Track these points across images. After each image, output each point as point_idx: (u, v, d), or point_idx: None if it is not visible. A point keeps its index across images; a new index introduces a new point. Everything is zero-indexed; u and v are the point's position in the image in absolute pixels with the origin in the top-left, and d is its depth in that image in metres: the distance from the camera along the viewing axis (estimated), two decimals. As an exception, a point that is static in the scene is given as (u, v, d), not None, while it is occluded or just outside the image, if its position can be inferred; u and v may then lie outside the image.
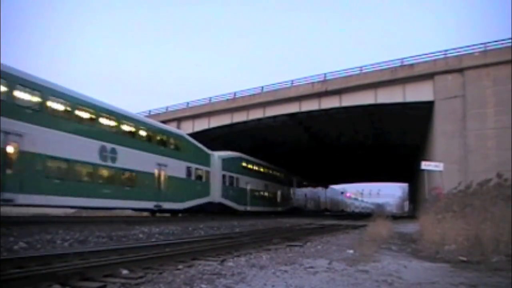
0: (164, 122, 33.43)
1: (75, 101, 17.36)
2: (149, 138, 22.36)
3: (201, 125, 36.08)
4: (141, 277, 5.08)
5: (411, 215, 43.08)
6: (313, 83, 30.50)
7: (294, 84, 31.82)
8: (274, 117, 33.32)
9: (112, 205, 19.84)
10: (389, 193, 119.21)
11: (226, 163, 31.07)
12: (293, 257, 7.52)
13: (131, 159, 20.06)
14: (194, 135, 31.66)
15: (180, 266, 6.02)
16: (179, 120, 36.91)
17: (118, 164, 19.20)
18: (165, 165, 22.88)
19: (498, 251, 7.13)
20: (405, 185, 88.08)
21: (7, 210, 15.79)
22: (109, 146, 18.64)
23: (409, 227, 16.74)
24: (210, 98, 35.98)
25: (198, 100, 36.86)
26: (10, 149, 14.04)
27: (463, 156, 22.71)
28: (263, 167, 39.12)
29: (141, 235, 11.19)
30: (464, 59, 24.10)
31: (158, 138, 23.22)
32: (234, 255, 7.60)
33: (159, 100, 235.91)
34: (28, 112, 14.92)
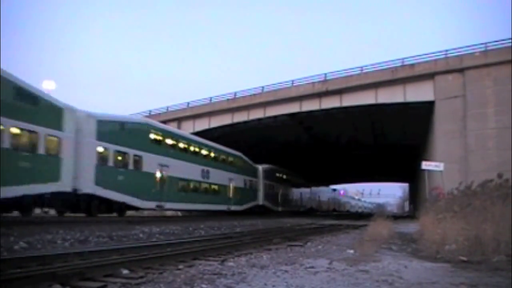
0: (164, 122, 33.50)
1: (191, 141, 27.54)
2: (223, 161, 31.53)
3: (201, 125, 36.10)
4: (141, 277, 5.08)
5: (411, 215, 43.09)
6: (313, 83, 30.51)
7: (294, 84, 31.85)
8: (275, 117, 33.33)
9: (206, 208, 29.43)
10: (389, 193, 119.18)
11: (266, 174, 39.03)
12: (294, 257, 7.52)
13: (216, 176, 29.59)
14: (195, 135, 31.70)
15: (180, 266, 6.02)
16: (179, 120, 36.95)
17: (210, 180, 28.86)
18: (232, 179, 32.09)
19: (498, 251, 7.12)
20: (405, 185, 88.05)
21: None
22: (205, 168, 28.21)
23: (410, 227, 16.74)
24: (211, 98, 36.02)
25: (199, 100, 36.95)
26: (162, 174, 22.86)
27: (464, 156, 22.71)
28: (287, 174, 46.12)
29: (141, 235, 11.20)
30: (464, 59, 24.10)
31: (228, 159, 32.32)
32: (234, 255, 7.60)
33: (160, 100, 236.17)
34: (170, 151, 24.15)
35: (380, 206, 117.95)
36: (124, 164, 20.28)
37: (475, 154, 22.36)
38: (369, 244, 9.38)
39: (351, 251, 8.55)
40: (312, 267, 6.21)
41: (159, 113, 38.00)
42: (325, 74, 30.46)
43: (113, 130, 19.88)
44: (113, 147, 19.37)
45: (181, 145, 25.88)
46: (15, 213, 16.52)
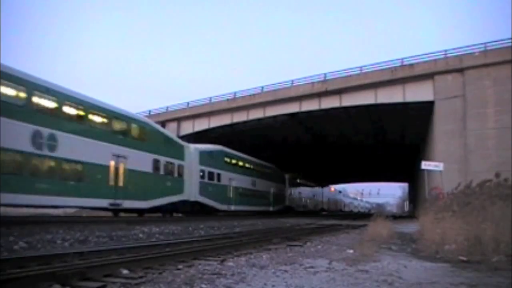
0: (164, 122, 33.54)
1: (245, 160, 35.12)
2: (264, 172, 39.50)
3: (201, 125, 36.08)
4: (141, 277, 5.08)
5: (411, 215, 43.07)
6: (313, 83, 30.50)
7: (294, 84, 31.83)
8: (274, 117, 33.31)
9: (256, 209, 36.45)
10: (389, 193, 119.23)
11: (290, 181, 44.40)
12: (293, 257, 7.52)
13: (261, 185, 38.00)
14: (195, 135, 31.69)
15: (180, 266, 6.02)
16: (179, 120, 36.93)
17: (257, 188, 37.12)
18: (271, 186, 40.98)
19: (498, 251, 7.13)
20: (405, 185, 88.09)
21: (7, 210, 15.82)
22: (254, 179, 36.76)
23: (409, 227, 16.75)
24: (210, 98, 36.00)
25: (198, 100, 36.91)
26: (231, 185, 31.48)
27: (463, 156, 22.71)
28: (299, 179, 46.22)
29: (141, 235, 11.20)
30: (464, 59, 24.09)
31: (267, 171, 40.87)
32: (234, 255, 7.60)
33: (159, 100, 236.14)
34: (234, 168, 32.64)
35: (380, 206, 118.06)
36: (212, 180, 28.90)
37: (474, 154, 22.36)
38: (368, 244, 9.38)
39: (351, 251, 8.55)
40: (312, 267, 6.21)
41: (159, 113, 37.99)
42: (325, 74, 30.45)
43: (207, 157, 28.41)
44: (207, 169, 28.22)
45: (240, 163, 34.35)
46: (15, 213, 16.54)
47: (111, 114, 19.23)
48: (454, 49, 25.28)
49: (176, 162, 24.28)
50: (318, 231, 15.63)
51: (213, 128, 35.67)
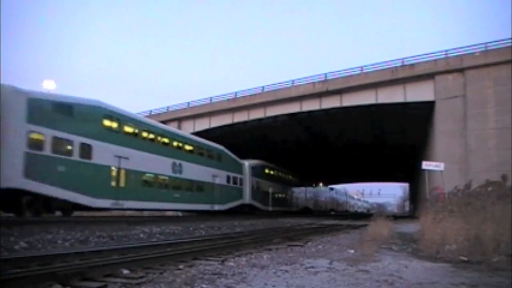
0: (164, 122, 33.52)
1: (279, 169, 43.76)
2: (292, 180, 50.05)
3: (202, 125, 36.12)
4: (142, 277, 5.08)
5: (412, 215, 43.06)
6: (314, 83, 30.52)
7: (295, 84, 31.86)
8: (275, 117, 33.35)
9: (292, 210, 47.39)
10: (390, 193, 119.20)
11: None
12: (294, 257, 7.52)
13: (296, 192, 51.74)
14: (195, 135, 31.70)
15: (181, 266, 6.02)
16: (179, 120, 36.97)
17: (294, 194, 50.40)
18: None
19: (498, 251, 7.12)
20: (406, 185, 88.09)
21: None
22: (290, 188, 48.58)
23: (410, 227, 16.73)
24: (211, 98, 36.05)
25: (199, 100, 36.99)
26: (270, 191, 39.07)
27: (464, 156, 22.71)
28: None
29: (142, 235, 11.20)
30: (464, 59, 24.10)
31: (289, 177, 48.44)
32: (235, 255, 7.59)
33: (160, 100, 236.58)
34: (271, 177, 41.05)
35: (380, 206, 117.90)
36: (259, 187, 37.12)
37: (475, 154, 22.36)
38: (369, 244, 9.38)
39: (351, 251, 8.55)
40: (313, 267, 6.20)
41: (159, 113, 38.03)
42: (325, 74, 30.48)
43: (254, 169, 36.25)
44: (256, 179, 36.31)
45: (274, 173, 42.23)
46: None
47: (208, 148, 29.45)
48: (454, 49, 25.32)
49: (238, 176, 33.39)
50: (318, 231, 15.62)
51: (214, 128, 35.71)
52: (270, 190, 39.73)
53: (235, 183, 32.46)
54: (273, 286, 4.79)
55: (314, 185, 62.10)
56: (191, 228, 14.27)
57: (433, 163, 18.30)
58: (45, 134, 15.25)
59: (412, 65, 26.54)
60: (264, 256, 7.53)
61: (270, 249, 8.72)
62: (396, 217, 31.75)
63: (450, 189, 13.30)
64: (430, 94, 25.37)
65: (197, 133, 34.24)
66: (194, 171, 26.36)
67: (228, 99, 34.75)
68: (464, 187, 10.93)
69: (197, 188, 27.03)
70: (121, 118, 19.82)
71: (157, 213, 26.36)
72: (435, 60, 25.60)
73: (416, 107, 27.09)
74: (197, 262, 6.59)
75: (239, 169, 33.70)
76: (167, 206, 24.57)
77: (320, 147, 44.80)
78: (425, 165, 17.88)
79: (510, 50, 22.29)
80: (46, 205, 15.72)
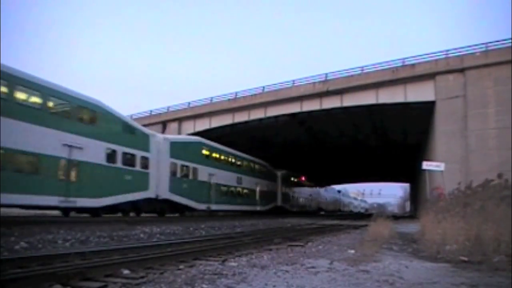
0: (165, 122, 33.55)
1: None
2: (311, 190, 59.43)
3: (202, 125, 36.09)
4: (142, 277, 5.09)
5: (412, 215, 43.04)
6: (314, 83, 30.50)
7: (295, 84, 31.83)
8: (275, 117, 33.32)
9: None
10: (390, 193, 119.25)
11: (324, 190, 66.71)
12: (294, 257, 7.52)
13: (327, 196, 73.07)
14: (195, 135, 31.71)
15: (181, 266, 6.03)
16: (180, 120, 36.94)
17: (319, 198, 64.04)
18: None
19: (499, 251, 7.12)
20: (406, 185, 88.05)
21: (7, 210, 15.84)
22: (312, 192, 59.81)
23: (410, 227, 16.73)
24: (212, 98, 36.02)
25: (199, 100, 36.94)
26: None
27: (464, 156, 22.69)
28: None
29: (142, 235, 11.20)
30: (465, 59, 24.07)
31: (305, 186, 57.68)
32: (235, 255, 7.60)
33: (160, 100, 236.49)
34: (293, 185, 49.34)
35: (381, 206, 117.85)
36: (286, 192, 45.82)
37: (475, 154, 22.34)
38: (369, 244, 9.38)
39: (352, 251, 8.54)
40: (313, 267, 6.20)
41: (160, 113, 38.02)
42: (326, 74, 30.44)
43: (284, 177, 44.77)
44: (283, 186, 44.59)
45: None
46: (16, 213, 16.58)
47: (256, 162, 38.05)
48: (455, 49, 25.28)
49: (274, 184, 41.93)
50: (319, 231, 15.62)
51: (214, 128, 35.67)
52: (292, 194, 48.97)
53: (271, 190, 41.17)
54: (274, 286, 4.79)
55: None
56: (191, 228, 14.28)
57: (434, 163, 18.29)
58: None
59: (413, 65, 26.51)
60: (265, 256, 7.53)
61: (270, 249, 8.72)
62: (396, 217, 31.78)
63: (450, 189, 13.32)
64: (431, 94, 25.35)
65: (198, 133, 34.24)
66: (248, 181, 35.30)
67: (229, 99, 34.74)
68: (465, 188, 10.94)
69: (249, 194, 35.61)
70: (211, 148, 29.37)
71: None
72: (436, 60, 25.57)
73: (417, 107, 27.06)
74: (198, 262, 6.59)
75: (274, 178, 42.46)
76: (233, 207, 33.04)
77: (320, 147, 44.77)
78: (426, 165, 17.88)
79: (511, 50, 22.27)
80: (177, 208, 25.18)
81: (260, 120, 34.05)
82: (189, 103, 37.40)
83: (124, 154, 19.78)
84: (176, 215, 25.49)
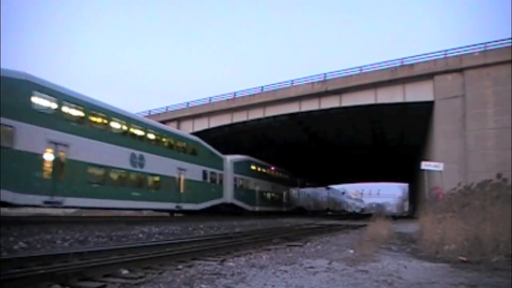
0: (164, 122, 33.45)
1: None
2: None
3: (201, 125, 36.06)
4: (141, 277, 5.09)
5: (411, 215, 43.10)
6: (313, 83, 30.49)
7: (294, 84, 31.81)
8: (274, 117, 33.30)
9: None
10: (389, 193, 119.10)
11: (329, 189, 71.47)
12: (293, 257, 7.52)
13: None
14: (194, 135, 31.66)
15: (180, 266, 6.03)
16: (179, 120, 36.90)
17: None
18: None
19: (498, 251, 7.12)
20: (405, 185, 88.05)
21: (7, 210, 15.81)
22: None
23: (409, 227, 16.74)
24: (210, 98, 35.97)
25: (198, 100, 36.87)
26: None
27: (463, 156, 22.70)
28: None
29: (141, 235, 11.20)
30: (464, 59, 24.09)
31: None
32: (234, 255, 7.60)
33: (159, 100, 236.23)
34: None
35: (380, 206, 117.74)
36: (300, 194, 51.70)
37: (474, 154, 22.35)
38: (368, 244, 9.39)
39: (351, 251, 8.55)
40: (312, 267, 6.21)
41: (159, 113, 37.96)
42: (325, 74, 30.43)
43: (303, 183, 52.74)
44: (299, 190, 50.69)
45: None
46: (15, 213, 16.54)
47: (281, 171, 44.42)
48: (454, 49, 25.28)
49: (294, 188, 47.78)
50: (317, 231, 15.63)
51: (213, 128, 35.65)
52: (309, 197, 55.25)
53: (293, 194, 48.68)
54: (272, 286, 4.79)
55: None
56: (190, 228, 14.27)
57: (432, 163, 18.30)
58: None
59: (411, 65, 26.52)
60: (263, 256, 7.53)
61: (269, 249, 8.72)
62: (395, 217, 31.80)
63: (449, 189, 13.32)
64: (429, 94, 25.37)
65: (196, 133, 34.20)
66: (279, 188, 42.58)
67: (227, 99, 34.71)
68: (464, 188, 10.94)
69: (278, 198, 43.12)
70: (256, 164, 37.00)
71: (157, 213, 26.51)
72: (434, 60, 25.57)
73: (416, 107, 27.08)
74: (196, 262, 6.59)
75: (295, 184, 48.96)
76: (268, 209, 39.08)
77: (319, 147, 44.77)
78: (424, 165, 17.88)
79: (510, 50, 22.28)
80: (238, 210, 32.42)
81: (259, 120, 34.04)
82: (187, 103, 37.37)
83: (211, 173, 28.84)
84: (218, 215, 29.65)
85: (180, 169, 25.01)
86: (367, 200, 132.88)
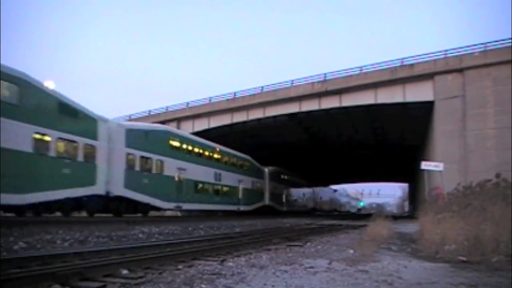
0: (164, 122, 33.53)
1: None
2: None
3: (201, 125, 36.08)
4: (141, 277, 5.08)
5: (411, 215, 43.09)
6: (313, 83, 30.50)
7: (294, 84, 31.83)
8: (274, 117, 33.32)
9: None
10: (389, 193, 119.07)
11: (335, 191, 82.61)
12: (293, 257, 7.51)
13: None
14: (194, 135, 31.68)
15: (180, 266, 6.02)
16: (179, 120, 36.92)
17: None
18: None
19: (498, 251, 7.12)
20: (405, 185, 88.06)
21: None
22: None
23: (409, 227, 16.72)
24: (210, 98, 36.00)
25: (198, 100, 36.92)
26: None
27: (463, 156, 22.72)
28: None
29: (141, 235, 11.19)
30: (464, 59, 24.10)
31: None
32: (234, 255, 7.59)
33: (159, 100, 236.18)
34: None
35: (379, 206, 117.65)
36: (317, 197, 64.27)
37: (474, 154, 22.36)
38: (368, 244, 9.38)
39: (351, 251, 8.54)
40: (312, 267, 6.20)
41: (159, 113, 37.98)
42: (325, 74, 30.46)
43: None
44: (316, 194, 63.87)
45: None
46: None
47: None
48: (454, 49, 25.31)
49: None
50: (317, 231, 15.62)
51: (213, 128, 35.67)
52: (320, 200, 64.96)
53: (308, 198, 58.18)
54: (272, 286, 4.79)
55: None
56: (190, 228, 14.27)
57: (432, 163, 18.30)
58: None
59: (412, 65, 26.54)
60: (263, 256, 7.53)
61: (269, 249, 8.71)
62: (395, 217, 31.80)
63: (449, 189, 13.32)
64: (430, 94, 25.38)
65: (196, 133, 34.24)
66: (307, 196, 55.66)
67: (227, 99, 34.73)
68: (464, 188, 10.94)
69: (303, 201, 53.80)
70: (285, 173, 46.56)
71: (157, 213, 26.41)
72: (435, 60, 25.59)
73: (416, 107, 27.10)
74: (196, 262, 6.59)
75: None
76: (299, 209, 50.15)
77: (319, 147, 44.78)
78: (424, 165, 17.88)
79: (510, 50, 22.30)
80: (272, 210, 41.12)
81: (259, 120, 34.06)
82: (187, 103, 37.38)
83: (257, 182, 37.07)
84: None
85: (240, 180, 33.37)
86: (367, 200, 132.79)
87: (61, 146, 16.26)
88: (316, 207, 61.45)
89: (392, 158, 50.49)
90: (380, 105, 28.20)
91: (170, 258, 6.64)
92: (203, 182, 27.72)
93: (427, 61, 25.96)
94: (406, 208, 79.82)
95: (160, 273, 5.44)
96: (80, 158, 17.08)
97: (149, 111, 38.65)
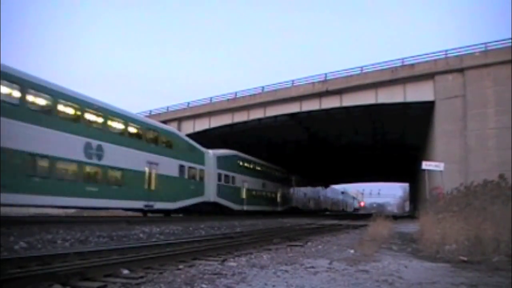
0: (164, 122, 33.47)
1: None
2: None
3: (201, 125, 36.05)
4: (141, 277, 5.08)
5: (411, 215, 43.09)
6: (313, 83, 30.47)
7: (294, 84, 31.80)
8: (275, 117, 33.29)
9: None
10: (389, 193, 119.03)
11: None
12: (294, 257, 7.52)
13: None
14: (195, 135, 31.69)
15: (181, 266, 6.02)
16: (179, 120, 36.90)
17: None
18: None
19: (498, 251, 7.12)
20: (406, 185, 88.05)
21: (7, 210, 15.83)
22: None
23: (410, 227, 16.73)
24: (211, 98, 35.97)
25: (199, 100, 36.87)
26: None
27: (464, 156, 22.68)
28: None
29: (141, 235, 11.20)
30: (464, 59, 24.06)
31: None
32: (234, 255, 7.59)
33: (160, 99, 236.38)
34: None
35: (380, 206, 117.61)
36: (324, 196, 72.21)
37: (475, 154, 22.33)
38: (369, 244, 9.38)
39: (351, 251, 8.55)
40: (312, 267, 6.21)
41: (159, 113, 37.96)
42: (325, 74, 30.41)
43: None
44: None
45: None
46: (15, 213, 16.56)
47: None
48: (454, 49, 25.26)
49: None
50: (318, 231, 15.63)
51: (214, 128, 35.65)
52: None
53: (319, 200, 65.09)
54: (273, 286, 4.79)
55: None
56: (191, 228, 14.27)
57: (433, 163, 18.28)
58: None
59: (412, 65, 26.49)
60: (264, 256, 7.53)
61: (270, 249, 8.72)
62: (396, 217, 31.79)
63: (450, 189, 13.33)
64: (430, 94, 25.35)
65: (197, 133, 34.22)
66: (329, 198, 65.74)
67: (228, 99, 34.70)
68: (465, 188, 10.95)
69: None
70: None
71: (157, 214, 26.58)
72: (435, 60, 25.55)
73: (416, 107, 27.06)
74: (197, 262, 6.59)
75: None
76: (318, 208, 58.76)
77: (320, 147, 44.73)
78: (425, 165, 17.87)
79: (510, 50, 22.26)
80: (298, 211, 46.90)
81: (260, 120, 34.03)
82: (188, 103, 37.37)
83: (282, 194, 43.27)
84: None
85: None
86: (368, 200, 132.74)
87: (190, 171, 25.21)
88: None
89: (392, 158, 50.44)
90: (380, 105, 28.17)
91: (171, 258, 6.64)
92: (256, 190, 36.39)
93: (427, 61, 25.91)
94: (407, 208, 79.79)
95: (161, 273, 5.45)
96: (198, 178, 26.10)
97: (150, 111, 38.63)
